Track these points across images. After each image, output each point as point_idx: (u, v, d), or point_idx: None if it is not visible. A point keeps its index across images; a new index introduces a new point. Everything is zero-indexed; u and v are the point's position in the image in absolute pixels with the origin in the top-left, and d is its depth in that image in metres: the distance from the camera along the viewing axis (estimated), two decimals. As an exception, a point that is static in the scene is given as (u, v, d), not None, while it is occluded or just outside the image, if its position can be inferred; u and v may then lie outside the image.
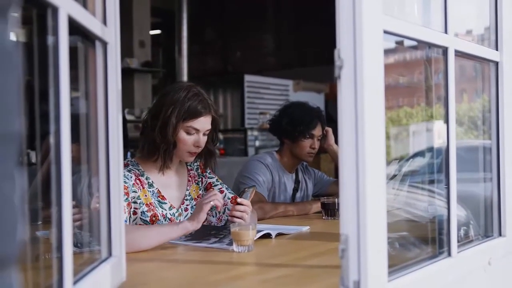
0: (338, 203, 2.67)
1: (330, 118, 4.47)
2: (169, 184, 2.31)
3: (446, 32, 1.53)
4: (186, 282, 1.59)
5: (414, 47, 1.71)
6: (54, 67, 1.02)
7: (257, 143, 7.47)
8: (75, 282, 1.10)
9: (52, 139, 1.02)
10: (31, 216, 1.15)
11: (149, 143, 2.23)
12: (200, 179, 2.43)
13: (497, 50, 1.82)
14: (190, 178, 2.40)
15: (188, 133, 2.21)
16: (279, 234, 2.19)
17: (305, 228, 2.37)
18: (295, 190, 3.16)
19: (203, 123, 2.23)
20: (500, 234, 1.83)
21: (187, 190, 2.37)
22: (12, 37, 0.62)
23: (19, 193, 0.63)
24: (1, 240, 0.61)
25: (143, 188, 2.21)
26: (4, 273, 0.61)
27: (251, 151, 7.31)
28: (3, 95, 0.59)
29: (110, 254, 1.39)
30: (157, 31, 9.98)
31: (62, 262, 1.02)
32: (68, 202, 1.03)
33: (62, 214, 1.02)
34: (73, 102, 1.11)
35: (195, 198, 2.37)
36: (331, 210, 2.67)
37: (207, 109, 2.24)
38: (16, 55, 0.62)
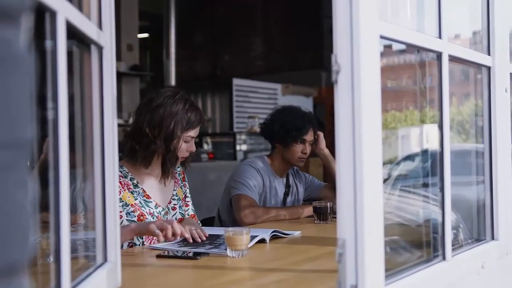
0: (330, 207, 2.67)
1: (319, 122, 4.48)
2: (155, 185, 2.37)
3: (440, 37, 1.54)
4: (181, 287, 1.58)
5: (402, 51, 1.72)
6: (52, 71, 1.01)
7: (246, 147, 7.46)
8: (72, 288, 1.09)
9: (50, 144, 1.01)
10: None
11: (151, 153, 2.28)
12: (183, 184, 2.53)
13: (489, 55, 1.84)
14: (176, 180, 2.48)
15: (186, 141, 2.32)
16: (273, 237, 2.19)
17: (297, 233, 2.37)
18: (286, 194, 3.16)
19: (198, 130, 2.37)
20: (492, 238, 1.84)
21: (174, 190, 2.45)
22: (25, 43, 0.62)
23: (30, 199, 0.62)
24: (14, 246, 0.60)
25: (125, 190, 2.26)
26: (17, 278, 0.61)
27: (240, 155, 7.30)
28: (16, 102, 0.59)
29: (105, 259, 1.38)
30: (145, 35, 9.95)
31: (60, 268, 1.01)
32: (66, 207, 1.03)
33: (60, 220, 1.01)
34: (68, 106, 1.10)
35: (182, 199, 2.47)
36: (323, 214, 2.67)
37: (202, 117, 2.37)
38: (28, 61, 0.62)
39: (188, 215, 2.43)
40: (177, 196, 2.44)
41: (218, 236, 2.19)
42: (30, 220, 0.62)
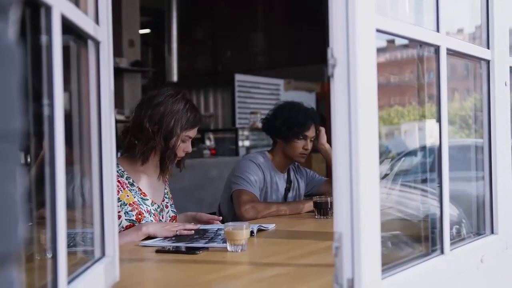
0: (330, 202, 2.67)
1: (321, 117, 4.48)
2: (149, 183, 2.40)
3: (438, 30, 1.54)
4: (180, 282, 1.59)
5: (405, 46, 1.72)
6: (48, 66, 1.01)
7: (248, 143, 7.46)
8: (69, 282, 1.10)
9: (46, 140, 1.01)
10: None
11: (149, 149, 2.30)
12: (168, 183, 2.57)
13: (488, 48, 1.83)
14: (166, 180, 2.51)
15: (183, 141, 2.34)
16: (259, 230, 2.25)
17: (271, 226, 2.39)
18: (287, 189, 3.16)
19: (196, 131, 2.39)
20: (492, 232, 1.84)
21: (165, 189, 2.49)
22: (13, 36, 0.62)
23: (20, 191, 0.63)
24: (4, 237, 0.61)
25: (124, 189, 2.28)
26: (6, 270, 0.61)
27: (242, 151, 7.30)
28: (5, 93, 0.59)
29: (103, 254, 1.38)
30: (147, 30, 9.95)
31: (57, 262, 1.02)
32: (62, 202, 1.03)
33: (56, 215, 1.02)
34: (64, 102, 1.10)
35: (170, 198, 2.51)
36: (323, 209, 2.67)
37: (201, 118, 2.41)
38: (17, 53, 0.62)
39: (169, 216, 2.45)
40: (167, 195, 2.49)
41: (206, 231, 2.22)
42: (19, 212, 0.63)
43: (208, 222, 2.43)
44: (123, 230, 2.20)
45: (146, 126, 2.27)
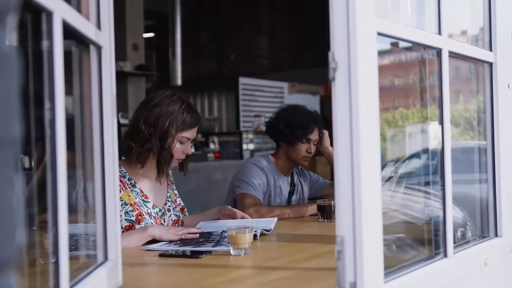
0: (334, 205, 2.67)
1: (325, 120, 4.48)
2: (151, 186, 2.40)
3: (440, 33, 1.54)
4: (183, 286, 1.58)
5: (409, 49, 1.72)
6: (49, 71, 1.02)
7: (253, 146, 7.45)
8: (71, 287, 1.10)
9: (47, 144, 1.01)
10: (26, 222, 1.15)
11: (145, 151, 2.30)
12: (174, 186, 2.57)
13: (491, 50, 1.83)
14: (169, 183, 2.52)
15: (181, 142, 2.34)
16: (262, 234, 2.24)
17: (274, 220, 2.43)
18: (291, 193, 3.16)
19: (194, 132, 2.39)
20: (496, 235, 1.83)
21: (168, 192, 2.49)
22: (11, 41, 0.63)
23: (18, 196, 0.63)
24: (1, 243, 0.61)
25: (126, 189, 2.29)
26: (5, 275, 0.61)
27: (246, 154, 7.29)
28: (3, 100, 0.59)
29: (106, 258, 1.38)
30: (151, 34, 9.96)
31: (59, 267, 1.02)
32: (64, 207, 1.03)
33: (58, 219, 1.02)
34: (67, 106, 1.10)
35: (174, 201, 2.50)
36: (327, 213, 2.67)
37: (199, 119, 2.40)
38: (14, 59, 0.62)
39: (172, 220, 2.46)
40: (170, 198, 2.49)
41: (211, 234, 2.22)
42: (17, 218, 0.63)
43: (233, 217, 2.46)
44: (123, 230, 2.21)
45: (142, 128, 2.28)
